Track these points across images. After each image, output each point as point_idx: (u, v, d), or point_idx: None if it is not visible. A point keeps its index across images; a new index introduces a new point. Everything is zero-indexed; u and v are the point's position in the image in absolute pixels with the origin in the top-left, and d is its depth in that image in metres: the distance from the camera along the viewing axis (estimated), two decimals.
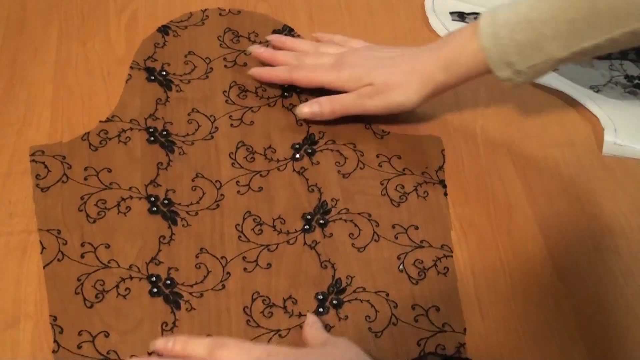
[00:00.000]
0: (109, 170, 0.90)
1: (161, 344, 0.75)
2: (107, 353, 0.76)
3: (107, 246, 0.83)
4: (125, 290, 0.80)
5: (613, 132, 0.99)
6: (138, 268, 0.82)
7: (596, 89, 1.07)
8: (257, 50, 1.03)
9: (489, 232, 0.91)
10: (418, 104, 0.95)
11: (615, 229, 0.91)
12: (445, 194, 0.92)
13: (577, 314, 0.84)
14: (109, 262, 0.82)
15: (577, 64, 1.10)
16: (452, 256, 0.87)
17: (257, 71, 1.01)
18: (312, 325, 0.80)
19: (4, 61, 1.02)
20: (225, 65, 1.03)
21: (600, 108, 1.03)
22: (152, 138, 0.93)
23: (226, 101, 0.99)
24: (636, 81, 1.09)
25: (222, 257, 0.84)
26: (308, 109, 0.97)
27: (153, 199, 0.88)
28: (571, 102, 1.05)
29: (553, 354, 0.81)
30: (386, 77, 0.95)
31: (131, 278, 0.81)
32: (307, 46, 1.03)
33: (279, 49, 1.04)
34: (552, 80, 1.07)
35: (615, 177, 0.97)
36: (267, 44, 1.06)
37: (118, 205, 0.87)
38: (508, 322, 0.83)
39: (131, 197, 0.88)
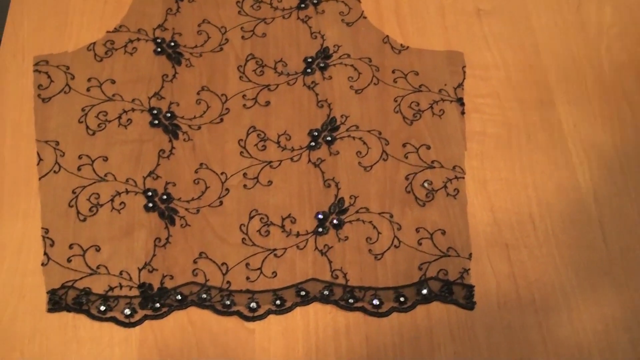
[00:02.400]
0: (113, 82, 0.83)
1: None
2: (97, 267, 0.71)
3: (105, 159, 0.77)
4: (120, 204, 0.75)
5: None
6: (135, 182, 0.76)
7: None
8: None
9: (614, 155, 0.81)
10: None
11: None
12: (463, 113, 0.82)
13: None
14: (105, 175, 0.76)
15: None
16: (463, 178, 0.78)
17: None
18: None
19: None
20: None
21: None
22: (160, 49, 0.86)
23: (239, 12, 0.89)
24: None
25: (222, 173, 0.77)
26: None
27: (155, 111, 0.81)
28: None
29: None
30: None
31: (127, 192, 0.76)
32: None
33: None
34: None
35: None
36: None
37: (119, 117, 0.81)
38: (634, 251, 0.75)
39: (133, 110, 0.81)
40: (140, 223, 0.74)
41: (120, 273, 0.71)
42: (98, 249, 0.72)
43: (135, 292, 0.70)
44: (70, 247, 0.72)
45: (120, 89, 0.83)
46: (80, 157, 0.78)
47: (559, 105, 0.84)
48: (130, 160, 0.78)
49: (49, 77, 0.83)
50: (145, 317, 0.69)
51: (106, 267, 0.71)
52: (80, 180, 0.76)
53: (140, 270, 0.71)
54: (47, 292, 0.70)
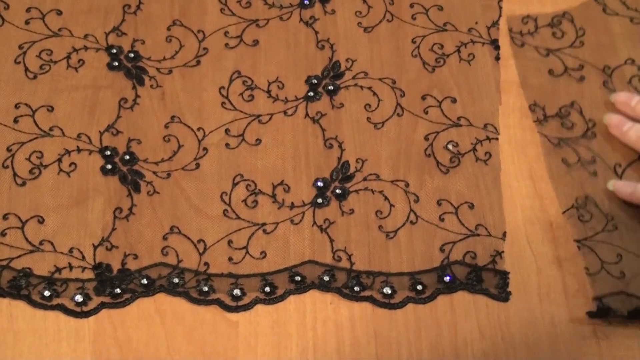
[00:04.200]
0: (59, 13, 0.79)
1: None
2: (40, 243, 0.68)
3: (50, 109, 0.74)
4: (70, 165, 0.71)
5: None
6: (89, 138, 0.73)
7: None
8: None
9: None
10: None
11: None
12: (498, 58, 0.79)
13: None
14: (50, 130, 0.73)
15: None
16: (497, 139, 0.75)
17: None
18: None
19: None
20: None
21: None
22: None
23: None
24: None
25: (198, 129, 0.74)
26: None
27: (115, 50, 0.77)
28: None
29: None
30: None
31: (79, 150, 0.72)
32: None
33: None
34: None
35: None
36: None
37: (68, 57, 0.77)
38: None
39: (86, 48, 0.77)
40: (96, 189, 0.71)
41: (70, 251, 0.68)
42: (41, 221, 0.69)
43: (89, 274, 0.67)
44: (5, 217, 0.69)
45: (69, 21, 0.79)
46: (17, 106, 0.74)
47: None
48: (83, 110, 0.74)
49: None
50: (102, 305, 0.67)
51: (52, 243, 0.68)
52: (18, 135, 0.73)
53: (95, 247, 0.68)
54: None
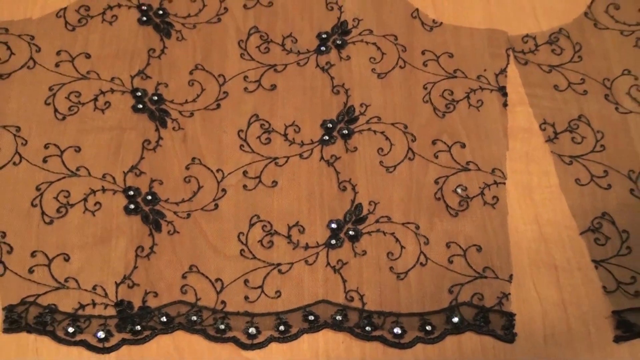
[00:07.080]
0: (88, 56, 0.81)
1: None
2: (65, 281, 0.69)
3: (77, 150, 0.75)
4: (95, 205, 0.73)
5: None
6: (113, 178, 0.74)
7: None
8: None
9: None
10: None
11: None
12: (505, 105, 0.80)
13: None
14: (77, 170, 0.75)
15: None
16: (504, 183, 0.76)
17: None
18: None
19: None
20: None
21: None
22: (145, 18, 0.83)
23: None
24: None
25: (218, 170, 0.75)
26: None
27: (139, 93, 0.79)
28: None
29: None
30: None
31: (104, 190, 0.74)
32: None
33: None
34: None
35: None
36: None
37: (95, 99, 0.78)
38: None
39: (112, 91, 0.79)
40: (120, 228, 0.72)
41: (94, 288, 0.69)
42: (67, 258, 0.70)
43: (111, 311, 0.68)
44: (33, 255, 0.70)
45: (97, 65, 0.81)
46: (46, 146, 0.76)
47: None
48: (108, 151, 0.76)
49: (8, 48, 0.81)
50: (123, 342, 0.68)
51: (76, 281, 0.69)
52: (46, 175, 0.74)
53: (118, 285, 0.69)
54: (3, 309, 0.68)
